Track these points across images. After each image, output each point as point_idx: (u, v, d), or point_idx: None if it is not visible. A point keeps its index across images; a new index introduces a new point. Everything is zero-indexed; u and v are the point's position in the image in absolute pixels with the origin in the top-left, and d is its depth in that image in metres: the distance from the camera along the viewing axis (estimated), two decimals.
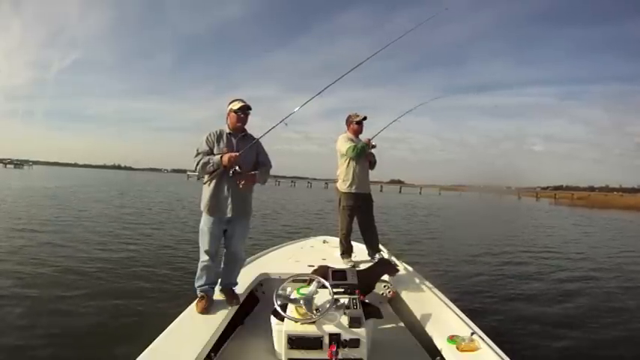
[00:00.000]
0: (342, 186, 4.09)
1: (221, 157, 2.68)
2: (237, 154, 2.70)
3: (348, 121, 4.15)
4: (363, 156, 4.05)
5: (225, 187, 2.74)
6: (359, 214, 4.14)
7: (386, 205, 24.50)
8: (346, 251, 4.07)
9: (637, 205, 39.25)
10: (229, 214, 2.75)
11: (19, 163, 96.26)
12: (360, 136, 4.16)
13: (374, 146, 4.14)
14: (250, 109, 2.84)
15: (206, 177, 2.78)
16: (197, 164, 2.72)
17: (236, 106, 2.81)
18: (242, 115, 2.83)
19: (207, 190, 2.78)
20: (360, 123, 4.09)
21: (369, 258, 4.05)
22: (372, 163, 4.24)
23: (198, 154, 2.75)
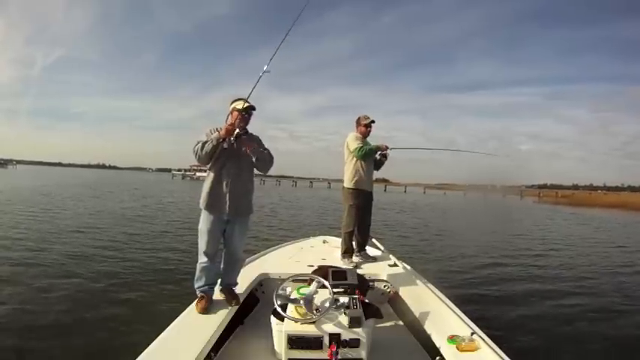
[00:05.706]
0: (349, 183, 4.15)
1: (218, 132, 2.69)
2: (233, 122, 2.73)
3: (358, 123, 4.27)
4: (370, 158, 4.19)
5: (224, 183, 2.72)
6: (361, 211, 4.18)
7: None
8: (348, 251, 4.07)
9: (619, 203, 40.26)
10: (228, 212, 2.72)
11: (2, 163, 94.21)
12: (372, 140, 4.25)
13: (386, 156, 4.33)
14: (254, 109, 2.84)
15: (207, 167, 2.77)
16: (197, 150, 2.67)
17: (240, 105, 2.78)
18: (246, 116, 2.83)
19: (206, 186, 2.76)
20: (368, 126, 4.22)
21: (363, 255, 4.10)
22: (377, 163, 4.34)
23: (198, 143, 2.70)
